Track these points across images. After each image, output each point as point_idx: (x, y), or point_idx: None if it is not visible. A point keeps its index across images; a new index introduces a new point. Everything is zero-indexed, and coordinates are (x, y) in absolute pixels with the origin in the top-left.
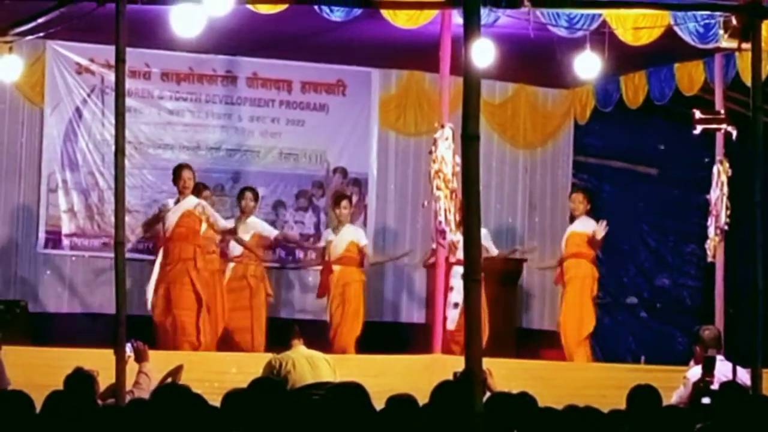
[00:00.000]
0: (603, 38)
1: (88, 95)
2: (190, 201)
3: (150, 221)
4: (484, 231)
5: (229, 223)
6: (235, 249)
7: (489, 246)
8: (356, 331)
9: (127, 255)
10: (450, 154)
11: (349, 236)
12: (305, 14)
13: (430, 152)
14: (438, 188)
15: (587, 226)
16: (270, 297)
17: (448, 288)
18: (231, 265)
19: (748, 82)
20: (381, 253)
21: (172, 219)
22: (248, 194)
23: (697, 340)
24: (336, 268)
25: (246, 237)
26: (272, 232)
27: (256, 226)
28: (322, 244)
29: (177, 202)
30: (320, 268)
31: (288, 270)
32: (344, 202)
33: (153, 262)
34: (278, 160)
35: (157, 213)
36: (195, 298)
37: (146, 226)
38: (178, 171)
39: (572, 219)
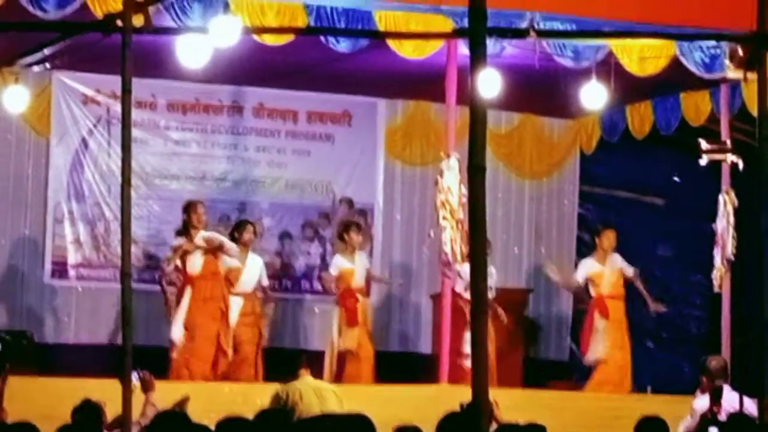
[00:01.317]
0: (609, 68)
1: (94, 126)
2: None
3: (172, 258)
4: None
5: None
6: (247, 284)
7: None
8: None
9: (134, 285)
10: (456, 185)
11: (364, 264)
12: (311, 45)
13: (436, 182)
14: (444, 218)
15: (620, 263)
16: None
17: (465, 323)
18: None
19: (755, 112)
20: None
21: (199, 259)
22: (249, 227)
23: (703, 370)
24: (359, 296)
25: (255, 275)
26: (265, 281)
27: (257, 269)
28: (334, 272)
29: (182, 235)
30: (332, 297)
31: (294, 300)
32: (354, 228)
33: (160, 293)
34: (284, 191)
35: (178, 249)
36: (217, 333)
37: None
38: (193, 206)
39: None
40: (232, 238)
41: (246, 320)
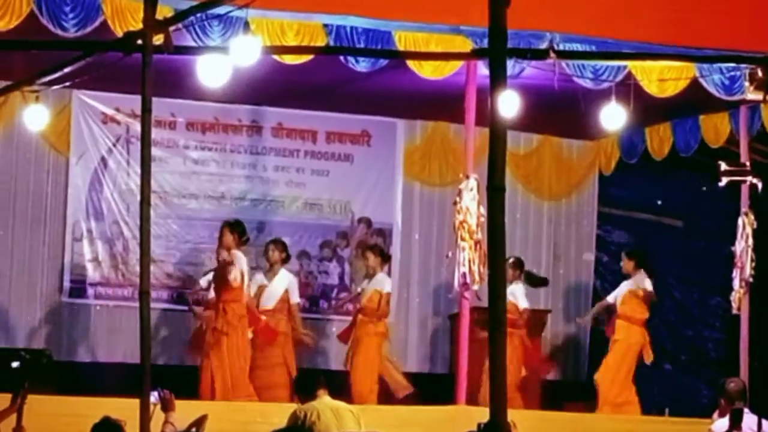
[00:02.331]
0: (628, 90)
1: (114, 145)
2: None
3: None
4: (519, 287)
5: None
6: (267, 301)
7: (519, 300)
8: (370, 383)
9: (159, 305)
10: (475, 205)
11: (373, 286)
12: (331, 64)
13: (455, 203)
14: (462, 239)
15: (639, 283)
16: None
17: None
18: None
19: None
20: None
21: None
22: (271, 246)
23: (722, 392)
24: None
25: (279, 291)
26: (296, 298)
27: (281, 286)
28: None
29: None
30: (349, 318)
31: (311, 320)
32: (367, 253)
33: (185, 312)
34: (303, 210)
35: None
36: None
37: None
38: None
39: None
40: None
41: (261, 339)
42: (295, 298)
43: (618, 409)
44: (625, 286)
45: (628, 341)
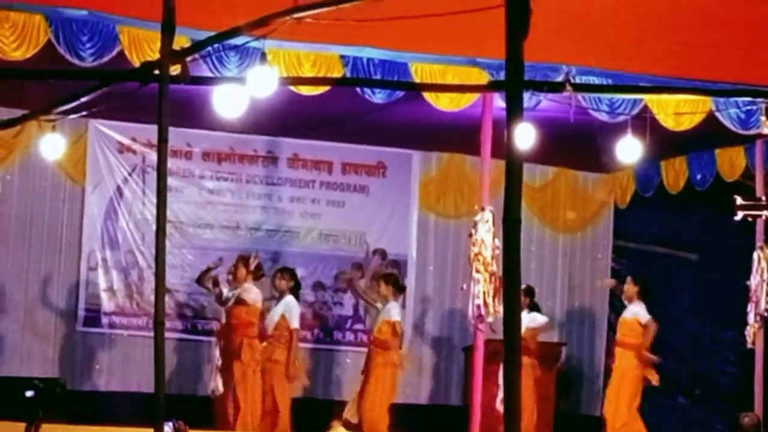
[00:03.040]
0: (644, 123)
1: (130, 174)
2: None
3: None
4: (540, 317)
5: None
6: (268, 326)
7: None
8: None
9: (173, 335)
10: (490, 238)
11: (383, 316)
12: (347, 96)
13: (470, 235)
14: (477, 271)
15: (636, 312)
16: (301, 379)
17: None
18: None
19: None
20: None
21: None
22: (278, 274)
23: (737, 427)
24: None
25: (276, 317)
26: (293, 323)
27: (278, 312)
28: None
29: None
30: (362, 349)
31: (326, 350)
32: (378, 282)
33: (198, 341)
34: (318, 241)
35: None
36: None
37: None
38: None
39: (616, 307)
40: None
41: (262, 365)
42: (294, 324)
43: None
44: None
45: (622, 367)
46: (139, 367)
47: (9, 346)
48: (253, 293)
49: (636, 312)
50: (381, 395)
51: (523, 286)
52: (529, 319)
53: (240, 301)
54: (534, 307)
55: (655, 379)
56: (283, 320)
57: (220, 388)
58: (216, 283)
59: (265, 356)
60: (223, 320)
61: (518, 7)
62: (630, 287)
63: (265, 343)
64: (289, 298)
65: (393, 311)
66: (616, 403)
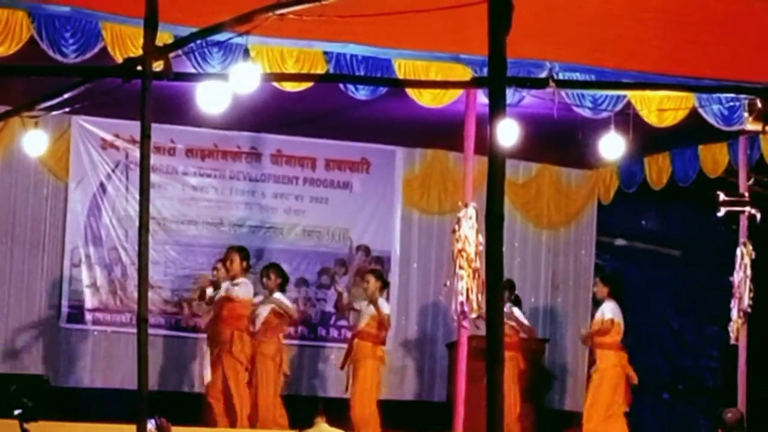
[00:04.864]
0: (627, 119)
1: (113, 170)
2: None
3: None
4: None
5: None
6: (257, 323)
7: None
8: (369, 408)
9: (157, 331)
10: (473, 234)
11: (372, 310)
12: (330, 92)
13: (454, 231)
14: (461, 267)
15: (602, 311)
16: (287, 377)
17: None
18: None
19: None
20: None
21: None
22: (266, 271)
23: (720, 422)
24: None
25: (264, 312)
26: (291, 310)
27: (275, 301)
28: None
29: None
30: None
31: (310, 347)
32: (368, 276)
33: (182, 338)
34: (301, 238)
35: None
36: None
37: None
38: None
39: (599, 304)
40: None
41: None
42: (294, 313)
43: None
44: (598, 312)
45: (601, 368)
46: (123, 363)
47: None
48: (246, 287)
49: (602, 310)
50: (369, 391)
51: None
52: (510, 313)
53: (232, 295)
54: (516, 301)
55: (633, 378)
56: (272, 316)
57: (209, 377)
58: (214, 286)
59: (252, 351)
60: (211, 314)
61: (501, 4)
62: (600, 288)
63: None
64: (278, 294)
65: (382, 306)
66: (594, 401)
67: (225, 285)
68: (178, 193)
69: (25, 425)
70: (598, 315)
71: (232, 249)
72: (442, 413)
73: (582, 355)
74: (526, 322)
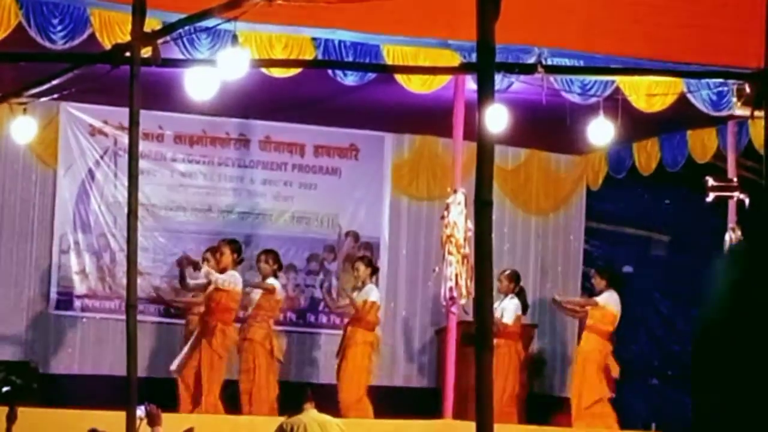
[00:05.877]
0: (616, 105)
1: (101, 157)
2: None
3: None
4: (512, 301)
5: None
6: (247, 308)
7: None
8: (357, 393)
9: (146, 318)
10: (462, 220)
11: (362, 296)
12: (319, 78)
13: (443, 217)
14: (450, 253)
15: (607, 303)
16: (280, 362)
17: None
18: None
19: (761, 150)
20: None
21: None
22: (262, 257)
23: None
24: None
25: (257, 296)
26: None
27: (258, 293)
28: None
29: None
30: (337, 332)
31: (299, 333)
32: (357, 264)
33: (171, 324)
34: (290, 224)
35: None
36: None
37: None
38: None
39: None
40: None
41: (241, 345)
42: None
43: (594, 422)
44: (598, 299)
45: (585, 350)
46: (112, 350)
47: None
48: (234, 280)
49: (606, 303)
50: (359, 377)
51: (508, 272)
52: (515, 307)
53: (221, 288)
54: (520, 293)
55: (615, 370)
56: (264, 300)
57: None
58: (194, 266)
59: (241, 336)
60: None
61: None
62: (597, 281)
63: (238, 325)
64: (272, 280)
65: (372, 292)
66: (580, 386)
67: (214, 277)
68: (167, 179)
69: (16, 408)
70: (599, 303)
71: (224, 242)
72: (431, 399)
73: (571, 341)
74: (511, 317)
